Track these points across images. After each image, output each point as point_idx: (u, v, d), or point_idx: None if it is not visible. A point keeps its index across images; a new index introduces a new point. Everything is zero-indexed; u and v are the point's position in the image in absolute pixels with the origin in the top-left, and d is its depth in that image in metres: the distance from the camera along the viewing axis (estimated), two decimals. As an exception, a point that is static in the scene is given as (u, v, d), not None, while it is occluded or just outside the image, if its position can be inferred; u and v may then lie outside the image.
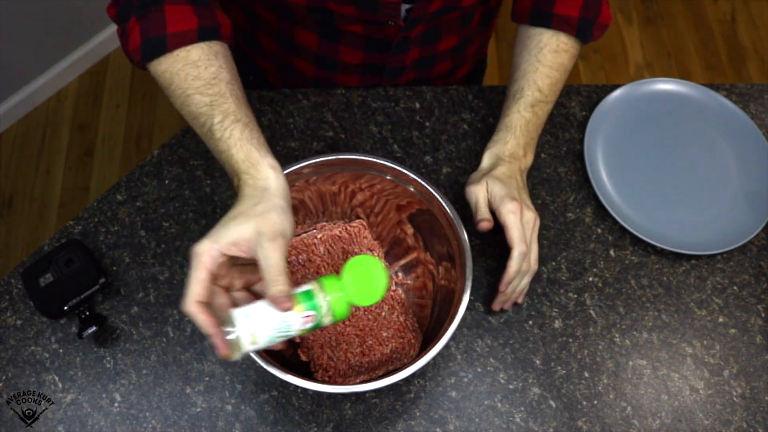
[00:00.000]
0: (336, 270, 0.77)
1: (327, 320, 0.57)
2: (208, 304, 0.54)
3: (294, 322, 0.55)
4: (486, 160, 0.79)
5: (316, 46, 0.87)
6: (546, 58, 0.81)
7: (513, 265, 0.71)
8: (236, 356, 0.55)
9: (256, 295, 0.59)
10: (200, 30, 0.66)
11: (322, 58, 0.89)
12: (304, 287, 0.57)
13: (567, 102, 0.94)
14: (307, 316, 0.56)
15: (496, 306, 0.77)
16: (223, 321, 0.54)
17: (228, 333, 0.54)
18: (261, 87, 1.01)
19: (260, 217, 0.56)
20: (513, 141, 0.79)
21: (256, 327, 0.54)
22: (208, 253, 0.54)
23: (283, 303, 0.54)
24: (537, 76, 0.80)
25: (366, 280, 0.58)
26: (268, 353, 0.64)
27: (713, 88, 0.95)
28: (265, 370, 0.61)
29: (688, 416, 0.75)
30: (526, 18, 0.83)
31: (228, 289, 0.58)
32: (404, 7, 0.79)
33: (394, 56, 0.88)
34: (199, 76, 0.65)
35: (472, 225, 0.74)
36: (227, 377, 0.74)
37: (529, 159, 0.80)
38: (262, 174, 0.60)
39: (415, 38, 0.85)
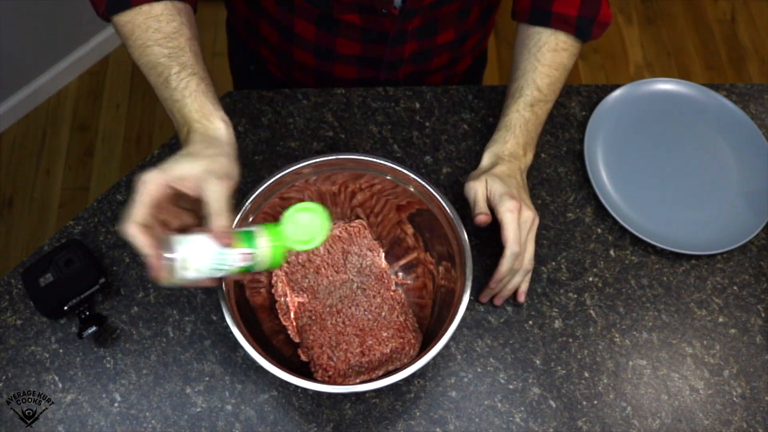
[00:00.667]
0: (335, 269, 0.78)
1: (262, 263, 0.59)
2: (147, 228, 0.55)
3: (230, 258, 0.57)
4: (486, 159, 0.79)
5: (313, 37, 0.87)
6: (545, 57, 0.81)
7: (504, 264, 0.72)
8: (168, 280, 0.55)
9: None
10: None
11: (320, 49, 0.89)
12: (246, 228, 0.59)
13: (567, 102, 0.94)
14: (245, 254, 0.57)
15: (484, 298, 0.78)
16: (161, 246, 0.55)
17: (165, 257, 0.55)
18: (262, 77, 1.01)
19: (211, 159, 0.58)
20: (513, 140, 0.79)
21: (193, 255, 0.55)
22: (155, 180, 0.55)
23: (224, 238, 0.56)
24: (536, 76, 0.81)
25: (306, 227, 0.60)
26: (267, 353, 0.64)
27: (713, 88, 0.95)
28: (265, 370, 0.61)
29: (688, 416, 0.75)
30: (525, 17, 0.83)
31: (165, 226, 0.59)
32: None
33: (392, 48, 0.88)
34: (159, 29, 0.67)
35: (472, 224, 0.74)
36: (227, 377, 0.74)
37: (529, 158, 0.80)
38: (214, 125, 0.62)
39: (412, 31, 0.85)
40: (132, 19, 0.68)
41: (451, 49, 0.94)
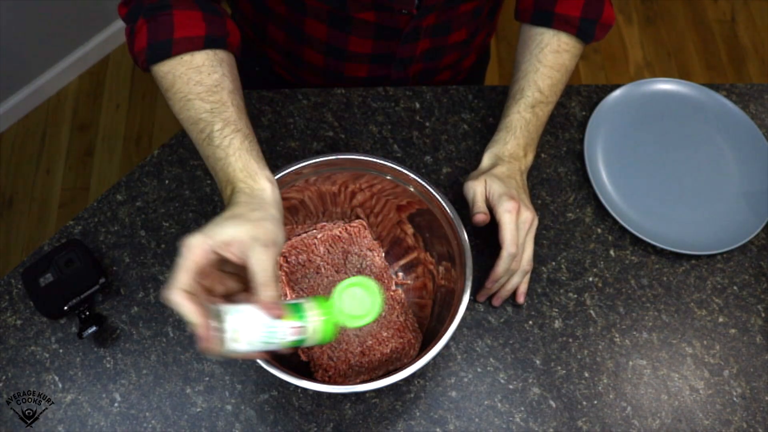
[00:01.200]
0: (335, 269, 0.77)
1: (313, 337, 0.57)
2: (192, 295, 0.53)
3: (281, 330, 0.55)
4: (486, 160, 0.79)
5: (325, 36, 0.86)
6: (547, 58, 0.81)
7: (501, 265, 0.72)
8: (218, 352, 0.53)
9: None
10: (207, 37, 0.67)
11: (331, 48, 0.88)
12: (296, 300, 0.57)
13: (567, 102, 0.94)
14: (296, 327, 0.55)
15: (481, 297, 0.78)
16: (209, 315, 0.53)
17: (214, 326, 0.53)
18: (267, 78, 1.01)
19: (256, 223, 0.56)
20: (513, 141, 0.79)
21: (243, 326, 0.53)
22: (200, 246, 0.53)
23: (274, 309, 0.54)
24: (537, 77, 0.80)
25: (358, 302, 0.58)
26: (267, 353, 0.64)
27: (713, 88, 0.95)
28: (265, 370, 0.61)
29: (688, 416, 0.75)
30: (527, 17, 0.83)
31: (209, 292, 0.57)
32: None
33: (404, 46, 0.87)
34: (201, 82, 0.65)
35: (472, 224, 0.74)
36: (227, 377, 0.74)
37: (530, 159, 0.80)
38: (259, 185, 0.61)
39: (426, 29, 0.85)
40: (172, 69, 0.66)
41: (462, 47, 0.94)
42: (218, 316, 0.53)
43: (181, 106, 0.66)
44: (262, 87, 1.01)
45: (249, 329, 0.53)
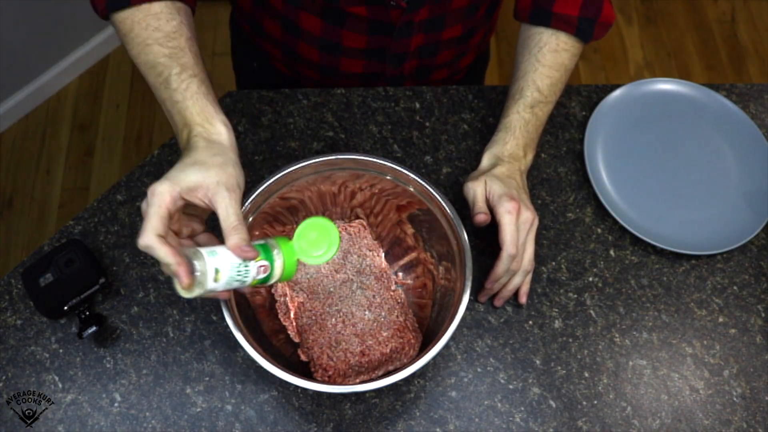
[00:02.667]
0: (334, 269, 0.78)
1: (277, 274, 0.60)
2: (165, 239, 0.55)
3: (251, 269, 0.58)
4: (485, 161, 0.79)
5: (319, 31, 0.87)
6: (546, 57, 0.81)
7: (500, 265, 0.72)
8: (195, 292, 0.56)
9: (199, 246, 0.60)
10: None
11: (325, 43, 0.89)
12: (260, 241, 0.60)
13: (567, 102, 0.94)
14: (262, 266, 0.58)
15: (482, 298, 0.78)
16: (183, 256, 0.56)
17: (193, 267, 0.55)
18: (265, 72, 1.01)
19: (219, 168, 0.58)
20: (512, 141, 0.79)
21: (221, 265, 0.56)
22: (168, 192, 0.55)
23: (247, 252, 0.56)
24: (536, 77, 0.80)
25: (316, 242, 0.62)
26: (267, 353, 0.64)
27: (713, 88, 0.95)
28: (265, 370, 0.61)
29: (688, 416, 0.75)
30: (526, 16, 0.83)
31: (176, 235, 0.59)
32: None
33: (398, 41, 0.87)
34: (159, 28, 0.66)
35: (472, 224, 0.74)
36: (227, 377, 0.74)
37: (529, 159, 0.80)
38: (216, 128, 0.62)
39: (419, 23, 0.85)
40: (131, 15, 0.68)
41: (458, 44, 0.94)
42: (196, 257, 0.56)
43: (139, 51, 0.67)
44: (260, 81, 1.01)
45: (225, 268, 0.56)
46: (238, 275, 0.57)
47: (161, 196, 0.55)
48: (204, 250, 0.56)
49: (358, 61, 0.91)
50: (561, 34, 0.81)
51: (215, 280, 0.56)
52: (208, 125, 0.62)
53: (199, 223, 0.61)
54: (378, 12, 0.82)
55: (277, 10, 0.87)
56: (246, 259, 0.57)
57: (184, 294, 0.56)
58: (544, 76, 0.80)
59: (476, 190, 0.74)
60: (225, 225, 0.56)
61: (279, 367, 0.61)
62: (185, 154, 0.60)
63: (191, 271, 0.55)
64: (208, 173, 0.57)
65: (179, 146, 0.63)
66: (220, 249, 0.57)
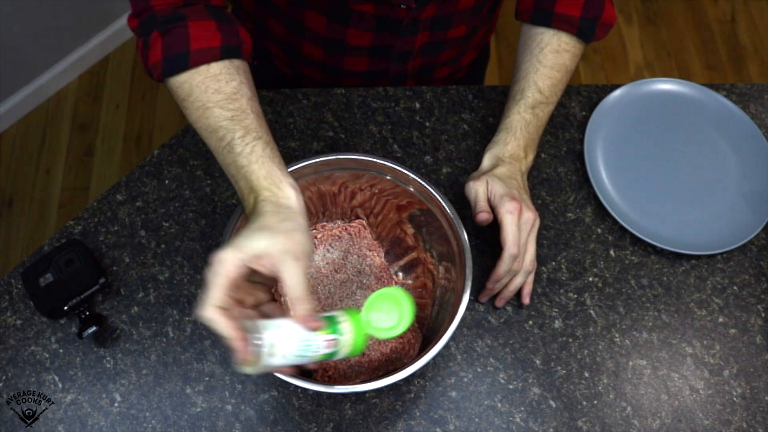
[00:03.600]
0: (335, 269, 0.77)
1: (345, 350, 0.57)
2: (226, 311, 0.52)
3: (315, 344, 0.55)
4: (486, 161, 0.79)
5: (324, 29, 0.86)
6: (547, 58, 0.81)
7: (502, 266, 0.72)
8: (253, 368, 0.53)
9: (265, 316, 0.58)
10: (223, 48, 0.66)
11: (330, 42, 0.88)
12: (329, 313, 0.57)
13: (567, 102, 0.94)
14: (329, 340, 0.55)
15: (483, 298, 0.78)
16: (244, 329, 0.53)
17: (252, 342, 0.53)
18: (267, 71, 1.01)
19: (287, 235, 0.56)
20: (513, 142, 0.79)
21: (280, 340, 0.53)
22: (232, 261, 0.53)
23: (311, 322, 0.54)
24: (537, 77, 0.80)
25: (388, 313, 0.59)
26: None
27: (713, 88, 0.95)
28: (265, 370, 0.61)
29: (688, 416, 0.75)
30: (527, 17, 0.83)
31: (240, 304, 0.56)
32: None
33: (403, 39, 0.87)
34: (219, 90, 0.65)
35: (472, 224, 0.74)
36: (227, 377, 0.74)
37: (530, 160, 0.80)
38: (284, 192, 0.60)
39: (425, 22, 0.85)
40: (189, 79, 0.65)
41: (461, 43, 0.94)
42: (255, 331, 0.53)
43: (199, 115, 0.65)
44: (261, 80, 1.01)
45: (286, 343, 0.54)
46: (301, 351, 0.54)
47: (225, 265, 0.53)
48: (262, 323, 0.54)
49: (362, 60, 0.91)
50: (562, 34, 0.81)
51: (271, 354, 0.53)
52: (276, 189, 0.60)
53: (264, 292, 0.59)
54: (385, 10, 0.82)
55: (280, 10, 0.87)
56: (311, 330, 0.54)
57: (243, 370, 0.53)
58: (545, 76, 0.80)
59: (478, 189, 0.74)
60: (290, 295, 0.54)
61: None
62: (252, 219, 0.58)
63: (249, 345, 0.52)
64: (275, 240, 0.55)
65: (247, 212, 0.61)
66: (283, 322, 0.54)
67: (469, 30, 0.92)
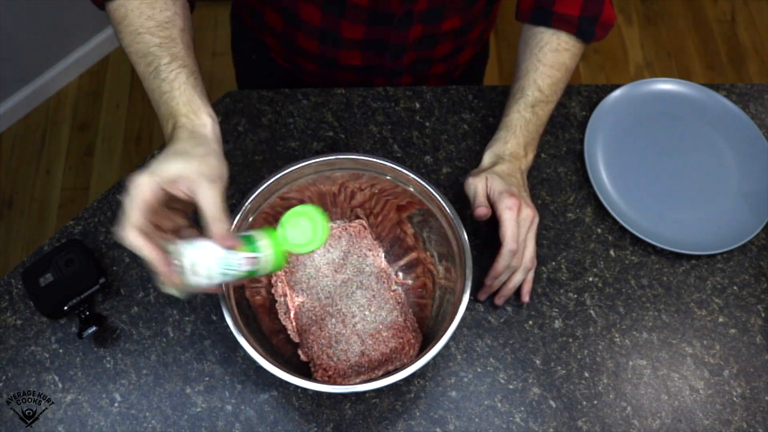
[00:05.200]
0: (335, 269, 0.77)
1: (266, 267, 0.59)
2: (146, 233, 0.54)
3: (235, 261, 0.57)
4: (486, 159, 0.80)
5: (319, 21, 0.87)
6: (546, 57, 0.81)
7: (501, 261, 0.72)
8: (179, 290, 0.55)
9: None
10: None
11: (324, 33, 0.89)
12: (246, 233, 0.60)
13: (567, 102, 0.94)
14: (249, 258, 0.58)
15: (482, 296, 0.78)
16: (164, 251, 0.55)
17: (174, 262, 0.55)
18: (265, 66, 1.01)
19: (201, 159, 0.57)
20: (513, 140, 0.79)
21: (200, 259, 0.55)
22: (148, 184, 0.54)
23: (227, 240, 0.56)
24: (537, 76, 0.81)
25: (303, 231, 0.62)
26: (267, 353, 0.64)
27: (713, 88, 0.95)
28: (265, 370, 0.61)
29: (688, 416, 0.75)
30: (527, 16, 0.83)
31: (158, 228, 0.57)
32: None
33: (397, 31, 0.87)
34: (152, 17, 0.66)
35: (472, 224, 0.74)
36: (227, 377, 0.74)
37: (530, 158, 0.81)
38: (201, 120, 0.61)
39: (418, 13, 0.85)
40: (126, 3, 0.67)
41: (456, 36, 0.94)
42: (177, 252, 0.55)
43: (131, 40, 0.66)
44: (259, 74, 1.01)
45: (206, 261, 0.56)
46: (222, 267, 0.56)
47: (141, 188, 0.54)
48: (181, 243, 0.56)
49: (356, 53, 0.91)
50: (562, 33, 0.82)
51: (195, 274, 0.55)
52: (194, 116, 0.61)
53: (182, 218, 0.61)
54: (378, 2, 0.82)
55: (277, 2, 0.87)
56: (229, 249, 0.56)
57: (169, 291, 0.56)
58: (545, 75, 0.81)
59: (477, 185, 0.75)
60: (206, 216, 0.55)
61: (279, 367, 0.61)
62: (168, 144, 0.59)
63: (171, 265, 0.54)
64: (189, 164, 0.56)
65: (165, 138, 0.62)
66: (202, 242, 0.56)
67: (464, 23, 0.92)
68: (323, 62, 0.94)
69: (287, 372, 0.61)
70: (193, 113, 0.61)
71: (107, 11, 0.70)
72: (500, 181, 0.74)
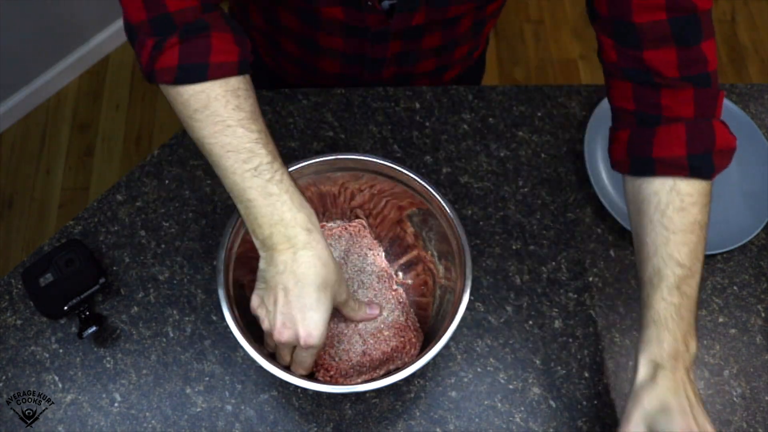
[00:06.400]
0: None
1: None
2: None
3: None
4: (642, 369, 0.63)
5: (298, 27, 0.85)
6: (673, 222, 0.65)
7: None
8: None
9: None
10: (240, 62, 0.63)
11: (304, 40, 0.87)
12: None
13: (567, 102, 0.94)
14: None
15: None
16: None
17: None
18: (254, 63, 1.01)
19: (340, 282, 0.64)
20: (669, 338, 0.62)
21: None
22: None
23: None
24: (671, 249, 0.64)
25: None
26: (268, 353, 0.64)
27: (713, 88, 0.95)
28: (265, 370, 0.61)
29: (688, 416, 0.75)
30: (626, 168, 0.69)
31: None
32: (386, 3, 0.76)
33: (374, 46, 0.85)
34: (240, 107, 0.61)
35: (471, 224, 0.74)
36: (227, 377, 0.74)
37: (693, 350, 0.64)
38: (320, 238, 0.62)
39: (395, 31, 0.82)
40: (207, 89, 0.61)
41: (438, 54, 0.91)
42: None
43: (217, 131, 0.60)
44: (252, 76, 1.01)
45: None
46: None
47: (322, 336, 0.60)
48: None
49: (336, 62, 0.90)
50: (679, 182, 0.65)
51: None
52: (315, 229, 0.61)
53: None
54: (354, 16, 0.78)
55: (258, 3, 0.87)
56: None
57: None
58: (679, 244, 0.64)
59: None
60: (354, 318, 0.69)
61: (279, 368, 0.61)
62: (299, 259, 0.60)
63: None
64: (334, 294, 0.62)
65: (258, 235, 0.60)
66: None
67: (446, 41, 0.88)
68: (305, 67, 0.93)
69: (287, 372, 0.61)
70: (313, 221, 0.61)
71: (174, 95, 0.62)
72: (667, 420, 0.59)
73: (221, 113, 0.60)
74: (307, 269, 0.59)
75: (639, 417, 0.60)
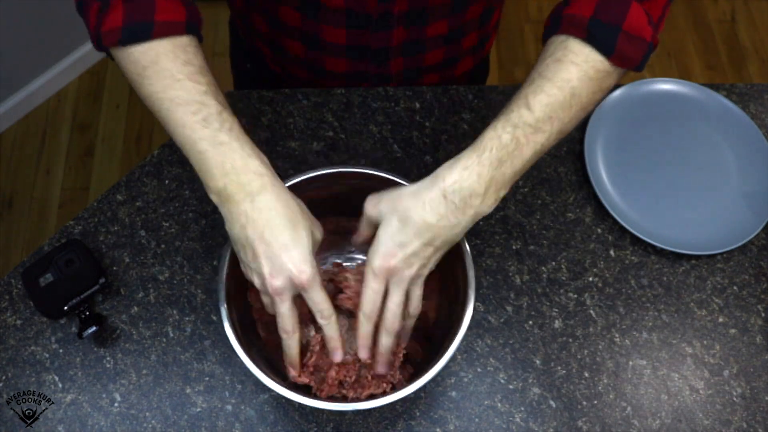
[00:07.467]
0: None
1: None
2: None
3: None
4: (424, 181, 0.63)
5: (300, 23, 0.84)
6: (548, 69, 0.62)
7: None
8: None
9: None
10: (188, 23, 0.64)
11: (308, 37, 0.87)
12: None
13: (567, 102, 0.94)
14: None
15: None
16: None
17: None
18: (260, 74, 1.00)
19: (311, 219, 0.63)
20: (475, 169, 0.59)
21: None
22: (314, 267, 0.60)
23: None
24: (530, 90, 0.61)
25: None
26: (267, 360, 0.64)
27: (713, 88, 0.95)
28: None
29: (688, 416, 0.75)
30: (546, 26, 0.69)
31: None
32: None
33: (376, 33, 0.84)
34: (189, 62, 0.61)
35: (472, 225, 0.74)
36: (227, 377, 0.74)
37: (489, 203, 0.60)
38: (273, 171, 0.63)
39: (399, 16, 0.81)
40: (155, 47, 0.61)
41: (446, 44, 0.90)
42: None
43: (166, 85, 0.61)
44: (255, 83, 1.00)
45: None
46: None
47: (315, 274, 0.59)
48: None
49: (342, 60, 0.90)
50: (570, 40, 0.62)
51: None
52: (270, 170, 0.62)
53: None
54: (354, 2, 0.78)
55: (259, 5, 0.86)
56: None
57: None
58: (540, 90, 0.61)
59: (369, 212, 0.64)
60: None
61: (274, 378, 0.61)
62: (254, 198, 0.59)
63: None
64: (312, 227, 0.62)
65: (212, 187, 0.60)
66: None
67: (453, 30, 0.87)
68: (312, 68, 0.93)
69: (287, 387, 0.60)
70: (266, 166, 0.62)
71: (122, 56, 0.63)
72: (393, 229, 0.61)
73: (170, 67, 0.61)
74: (269, 213, 0.59)
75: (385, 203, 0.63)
